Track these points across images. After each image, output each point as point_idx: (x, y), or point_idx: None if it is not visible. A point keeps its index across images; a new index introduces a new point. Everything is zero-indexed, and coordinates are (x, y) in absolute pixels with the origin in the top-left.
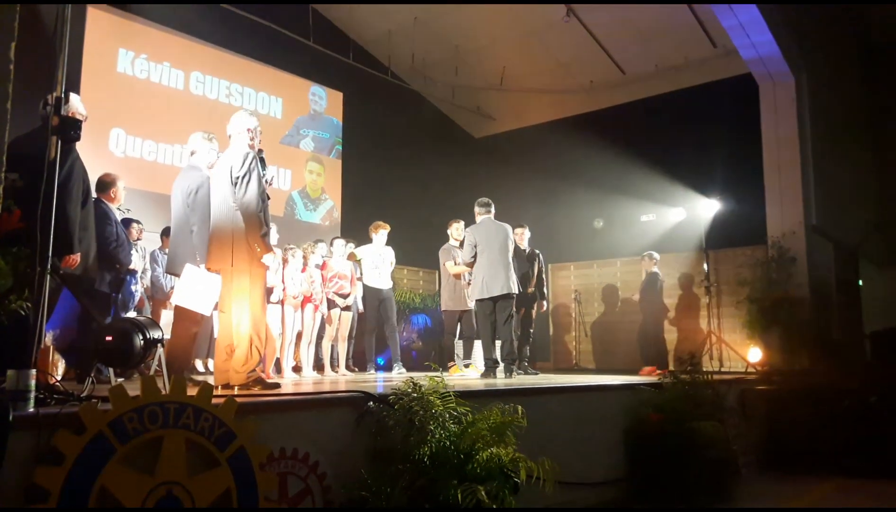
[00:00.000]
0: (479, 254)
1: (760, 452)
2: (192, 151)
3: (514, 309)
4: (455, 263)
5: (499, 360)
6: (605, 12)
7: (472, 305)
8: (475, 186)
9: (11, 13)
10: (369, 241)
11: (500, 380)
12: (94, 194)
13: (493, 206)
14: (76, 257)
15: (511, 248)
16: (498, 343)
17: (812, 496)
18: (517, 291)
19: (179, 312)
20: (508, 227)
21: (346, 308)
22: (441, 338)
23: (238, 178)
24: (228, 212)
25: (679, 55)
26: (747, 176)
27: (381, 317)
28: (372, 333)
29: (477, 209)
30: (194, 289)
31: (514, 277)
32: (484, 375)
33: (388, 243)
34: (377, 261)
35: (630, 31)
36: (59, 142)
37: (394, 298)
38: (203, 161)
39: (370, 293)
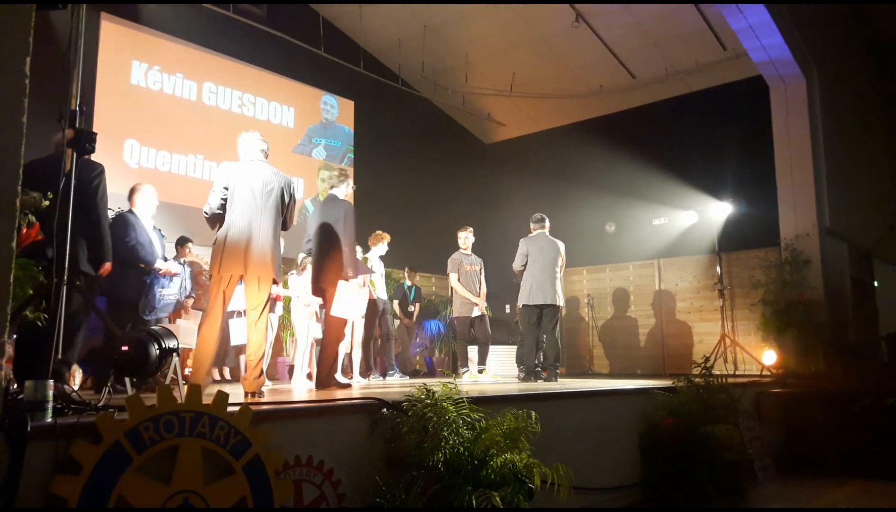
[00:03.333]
0: (531, 264)
1: (776, 455)
2: (331, 185)
3: (560, 319)
4: (457, 278)
5: (540, 365)
6: (614, 17)
7: (486, 310)
8: (486, 192)
9: (26, 28)
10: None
11: (541, 384)
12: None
13: (547, 220)
14: (110, 265)
15: (560, 263)
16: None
17: (829, 499)
18: (562, 304)
19: None
20: (561, 245)
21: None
22: (454, 344)
23: (291, 198)
24: (274, 228)
25: (689, 59)
26: (759, 178)
27: (381, 326)
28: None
29: (532, 224)
30: (347, 300)
31: (560, 291)
32: (524, 379)
33: (401, 249)
34: (381, 270)
35: (639, 35)
36: (74, 154)
37: None
38: (342, 194)
39: (377, 304)
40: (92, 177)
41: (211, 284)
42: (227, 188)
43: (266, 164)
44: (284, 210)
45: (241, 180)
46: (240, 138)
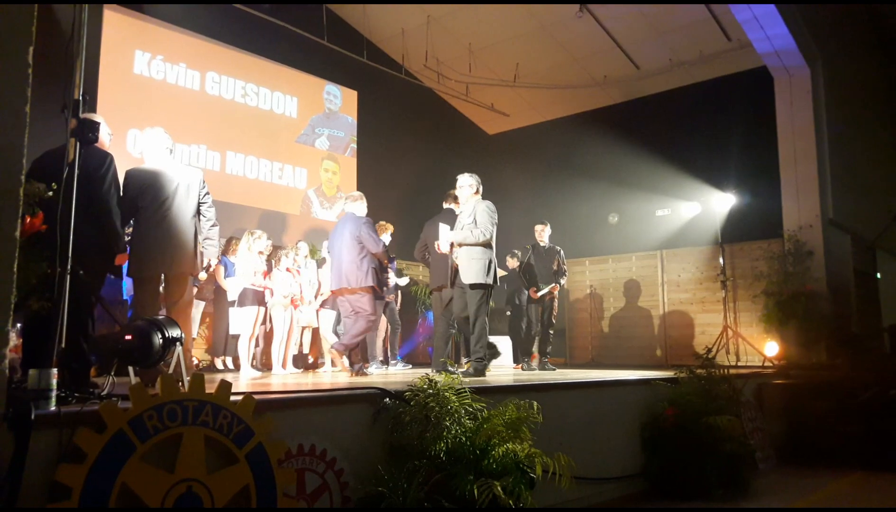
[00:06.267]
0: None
1: (778, 446)
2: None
3: None
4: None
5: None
6: (619, 7)
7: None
8: (489, 183)
9: (29, 17)
10: None
11: (545, 374)
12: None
13: None
14: (125, 256)
15: None
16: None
17: (830, 490)
18: None
19: None
20: None
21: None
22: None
23: (206, 193)
24: (192, 224)
25: (693, 49)
26: (763, 169)
27: (387, 315)
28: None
29: (481, 188)
30: None
31: None
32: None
33: (404, 240)
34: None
35: (644, 25)
36: (78, 144)
37: None
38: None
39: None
40: (99, 166)
41: (136, 286)
42: (139, 195)
43: (172, 161)
44: (198, 205)
45: (151, 183)
46: (144, 135)
